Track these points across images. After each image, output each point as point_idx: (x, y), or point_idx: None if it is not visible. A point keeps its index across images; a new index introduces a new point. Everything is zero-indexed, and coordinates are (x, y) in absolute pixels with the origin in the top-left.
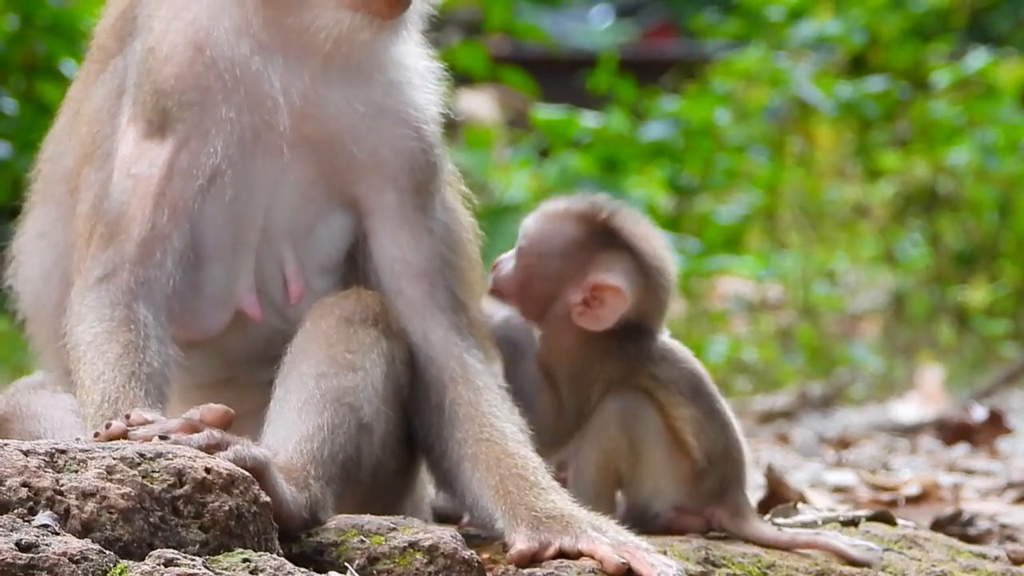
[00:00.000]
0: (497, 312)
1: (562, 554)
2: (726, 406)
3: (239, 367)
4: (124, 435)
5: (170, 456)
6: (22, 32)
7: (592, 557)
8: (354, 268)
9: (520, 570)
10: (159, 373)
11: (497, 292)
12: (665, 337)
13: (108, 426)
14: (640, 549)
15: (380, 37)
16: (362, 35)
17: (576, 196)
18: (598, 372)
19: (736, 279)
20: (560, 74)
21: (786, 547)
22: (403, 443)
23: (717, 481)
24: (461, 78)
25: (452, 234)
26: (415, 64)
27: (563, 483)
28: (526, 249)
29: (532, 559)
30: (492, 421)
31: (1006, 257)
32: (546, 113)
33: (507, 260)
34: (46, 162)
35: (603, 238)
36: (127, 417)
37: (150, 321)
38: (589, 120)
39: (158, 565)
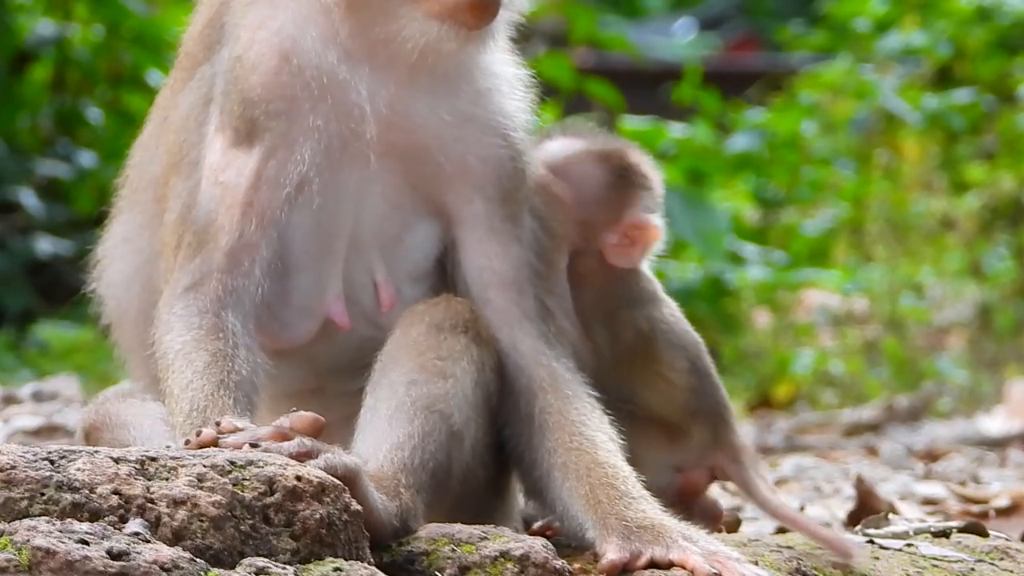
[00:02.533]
0: None
1: (653, 564)
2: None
3: (328, 376)
4: (214, 443)
5: (261, 464)
6: (108, 43)
7: (683, 567)
8: (444, 276)
9: (607, 571)
10: (248, 381)
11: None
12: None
13: (198, 433)
14: (731, 559)
15: (466, 47)
16: (448, 45)
17: (578, 130)
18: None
19: (822, 292)
20: (645, 86)
21: (772, 512)
22: (493, 451)
23: (710, 428)
24: (546, 89)
25: (540, 243)
26: (503, 71)
27: None
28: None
29: (623, 569)
30: (582, 430)
31: None
32: (632, 124)
33: None
34: (133, 169)
35: (627, 176)
36: (217, 424)
37: (238, 329)
38: (675, 132)
39: (249, 573)
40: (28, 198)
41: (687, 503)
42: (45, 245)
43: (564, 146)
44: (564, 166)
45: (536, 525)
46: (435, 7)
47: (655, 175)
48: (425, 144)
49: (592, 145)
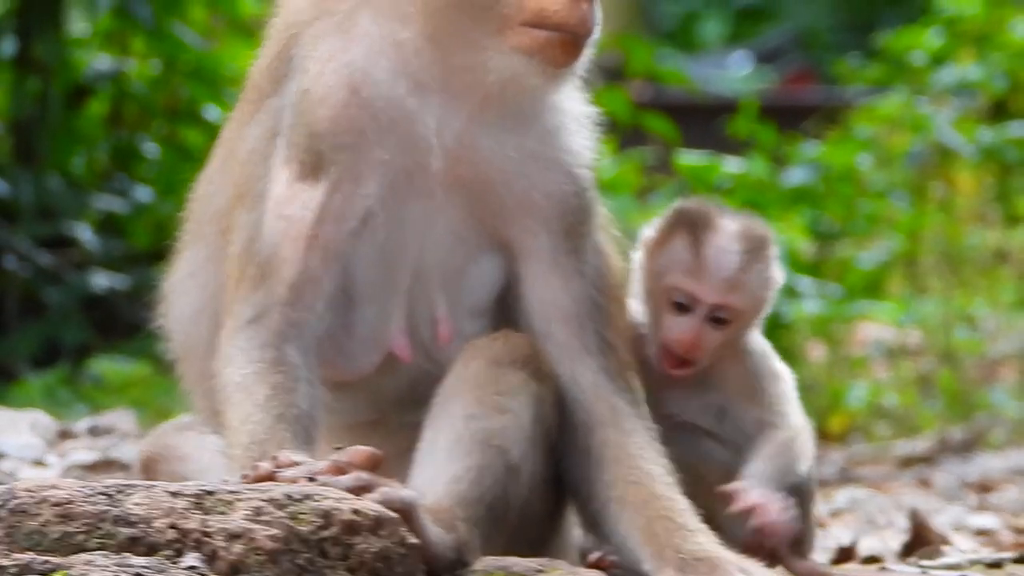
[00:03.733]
0: None
1: None
2: None
3: (387, 408)
4: (271, 477)
5: (317, 498)
6: (165, 77)
7: None
8: (504, 310)
9: None
10: (307, 415)
11: (689, 367)
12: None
13: (255, 468)
14: None
15: (549, 85)
16: (532, 81)
17: (708, 219)
18: None
19: (877, 324)
20: (701, 120)
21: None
22: (551, 485)
23: None
24: (603, 123)
25: (602, 277)
26: (571, 108)
27: None
28: (740, 314)
29: None
30: (640, 463)
31: None
32: (688, 159)
33: (705, 334)
34: (198, 202)
35: (766, 248)
36: (274, 459)
37: (299, 363)
38: (731, 166)
39: None
40: (84, 232)
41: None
42: (101, 280)
43: (723, 261)
44: (740, 283)
45: (592, 557)
46: (525, 41)
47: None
48: (490, 179)
49: (741, 244)
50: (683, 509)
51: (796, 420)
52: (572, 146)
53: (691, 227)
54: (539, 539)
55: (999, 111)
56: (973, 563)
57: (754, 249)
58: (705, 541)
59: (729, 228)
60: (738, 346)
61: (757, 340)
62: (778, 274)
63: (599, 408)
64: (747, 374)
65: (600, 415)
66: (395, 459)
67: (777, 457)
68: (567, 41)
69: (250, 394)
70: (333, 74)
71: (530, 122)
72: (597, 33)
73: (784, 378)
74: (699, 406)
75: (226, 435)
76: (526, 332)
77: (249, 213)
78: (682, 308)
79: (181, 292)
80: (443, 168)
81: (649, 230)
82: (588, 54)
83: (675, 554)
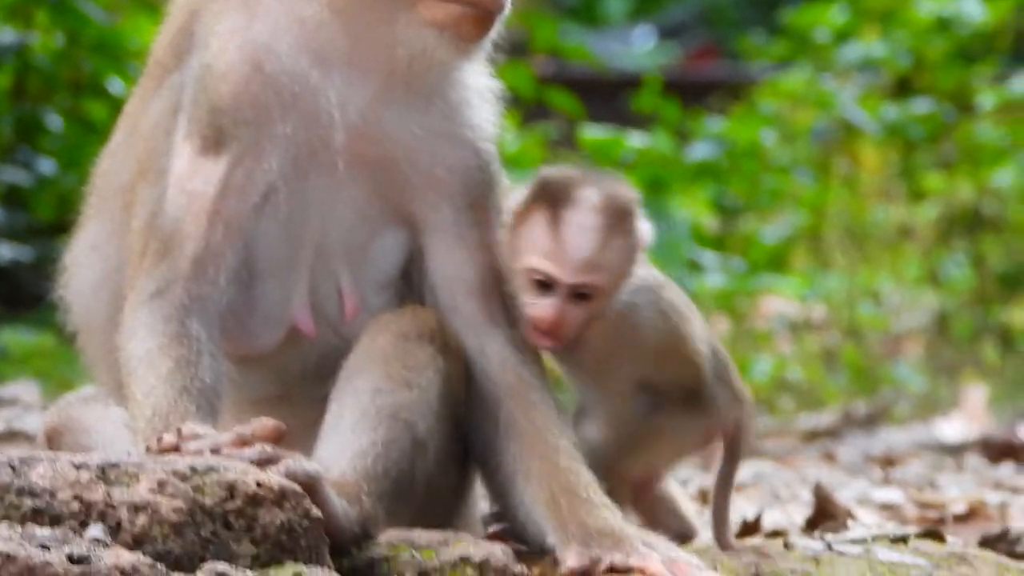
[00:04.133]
0: None
1: (613, 570)
2: None
3: (293, 383)
4: (175, 448)
5: (222, 470)
6: (68, 50)
7: (643, 573)
8: (410, 284)
9: None
10: (211, 388)
11: (557, 343)
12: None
13: (160, 439)
14: (691, 565)
15: (458, 59)
16: (442, 55)
17: (568, 194)
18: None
19: (780, 299)
20: (604, 95)
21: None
22: (456, 460)
23: (727, 385)
24: (508, 98)
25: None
26: (475, 83)
27: None
28: (601, 290)
29: (583, 575)
30: (546, 436)
31: None
32: (592, 133)
33: (568, 312)
34: (101, 177)
35: (629, 216)
36: (179, 431)
37: (203, 336)
38: (635, 140)
39: None
40: None
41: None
42: (4, 251)
43: (581, 241)
44: (597, 262)
45: (492, 529)
46: (437, 15)
47: (633, 191)
48: (394, 156)
49: (597, 216)
50: (587, 483)
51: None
52: (475, 120)
53: (549, 203)
54: (444, 513)
55: (903, 88)
56: (877, 537)
57: (615, 223)
58: (609, 515)
59: (588, 202)
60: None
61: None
62: (644, 237)
63: (506, 379)
64: (614, 335)
65: (507, 387)
66: (301, 433)
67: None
68: (479, 16)
69: (154, 367)
70: (235, 50)
71: (435, 98)
72: (508, 9)
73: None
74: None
75: (130, 407)
76: (432, 306)
77: (152, 188)
78: (543, 287)
79: (83, 265)
80: (346, 144)
81: (513, 201)
82: (498, 29)
83: (579, 528)
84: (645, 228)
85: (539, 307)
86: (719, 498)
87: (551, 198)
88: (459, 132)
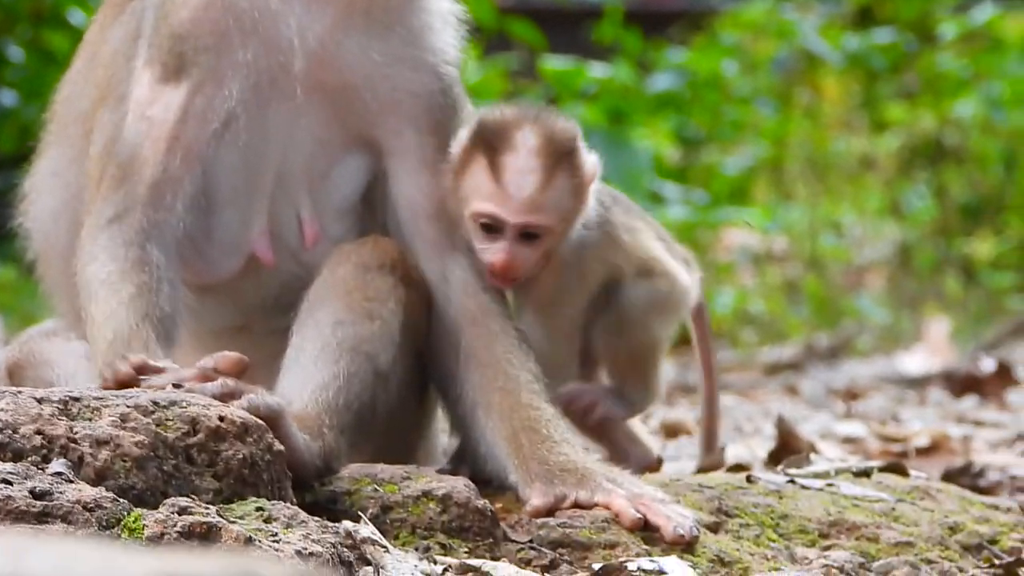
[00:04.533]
0: None
1: (577, 507)
2: None
3: (253, 314)
4: (132, 380)
5: (184, 404)
6: None
7: (608, 509)
8: (371, 212)
9: (533, 519)
10: (170, 317)
11: (513, 284)
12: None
13: (116, 371)
14: (656, 501)
15: None
16: None
17: (506, 137)
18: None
19: (742, 231)
20: (566, 26)
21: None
22: (418, 391)
23: None
24: (469, 28)
25: None
26: (437, 7)
27: None
28: (548, 229)
29: (548, 514)
30: (507, 368)
31: (1012, 210)
32: (553, 64)
33: (519, 254)
34: (61, 104)
35: (570, 153)
36: (135, 363)
37: (162, 263)
38: (596, 71)
39: (172, 513)
40: None
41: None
42: None
43: (523, 181)
44: (541, 202)
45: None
46: None
47: (574, 125)
48: (354, 83)
49: (538, 155)
50: (548, 419)
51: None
52: (438, 45)
53: (489, 148)
54: (406, 446)
55: (864, 17)
56: (840, 471)
57: (555, 162)
58: (571, 452)
59: (526, 144)
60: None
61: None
62: (589, 171)
63: (468, 306)
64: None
65: (469, 314)
66: (262, 365)
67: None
68: None
69: (115, 291)
70: None
71: (395, 23)
72: None
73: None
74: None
75: (89, 330)
76: (395, 231)
77: (111, 113)
78: (491, 230)
79: (43, 191)
80: (305, 70)
81: (454, 148)
82: None
83: (541, 466)
84: (591, 161)
85: (491, 251)
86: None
87: (489, 142)
88: (420, 56)
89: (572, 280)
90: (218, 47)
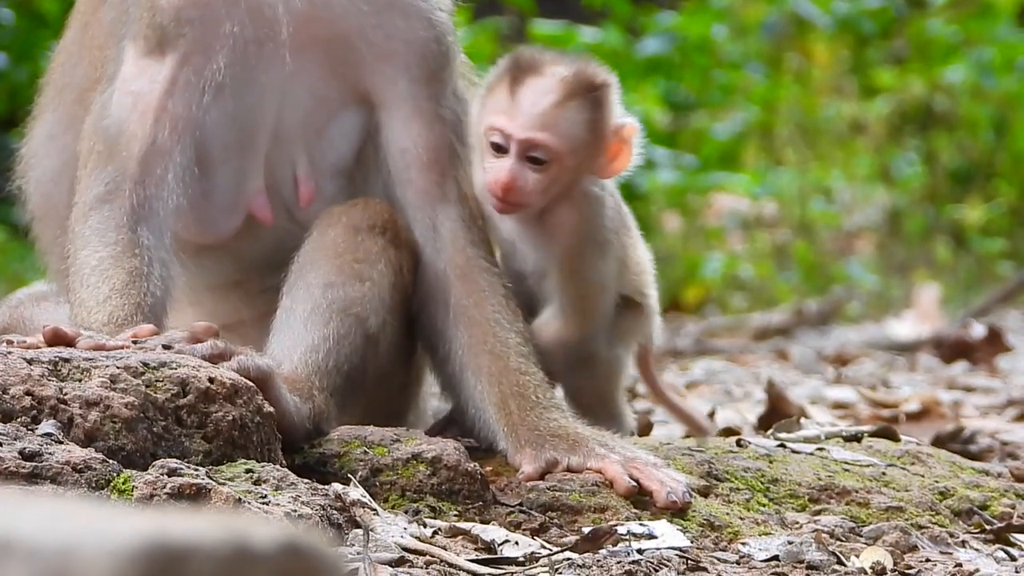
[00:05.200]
0: None
1: (570, 472)
2: None
3: (249, 271)
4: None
5: (174, 366)
6: None
7: (602, 474)
8: (364, 174)
9: (523, 483)
10: (160, 303)
11: (514, 209)
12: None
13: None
14: (649, 465)
15: None
16: None
17: (531, 68)
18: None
19: (732, 196)
20: None
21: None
22: (407, 354)
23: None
24: None
25: (462, 124)
26: None
27: None
28: (555, 154)
29: (539, 479)
30: (496, 330)
31: (1002, 176)
32: (543, 28)
33: (522, 175)
34: (55, 71)
35: (594, 92)
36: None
37: (153, 244)
38: (586, 35)
39: (161, 475)
40: None
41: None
42: None
43: (536, 99)
44: (551, 120)
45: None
46: None
47: (612, 78)
48: (346, 34)
49: (558, 81)
50: (537, 384)
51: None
52: (423, 6)
53: (516, 71)
54: (396, 408)
55: None
56: (830, 436)
57: (575, 92)
58: (560, 417)
59: (555, 72)
60: (574, 194)
61: (606, 196)
62: (617, 122)
63: (456, 260)
64: (582, 223)
65: (458, 268)
66: (255, 323)
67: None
68: None
69: (107, 278)
70: None
71: None
72: None
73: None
74: (539, 261)
75: (79, 313)
76: (387, 184)
77: (100, 94)
78: (499, 149)
79: (41, 155)
80: (295, 31)
81: (488, 74)
82: None
83: (531, 432)
84: (628, 120)
85: (494, 168)
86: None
87: (519, 68)
88: (411, 3)
89: (595, 251)
90: (203, 19)
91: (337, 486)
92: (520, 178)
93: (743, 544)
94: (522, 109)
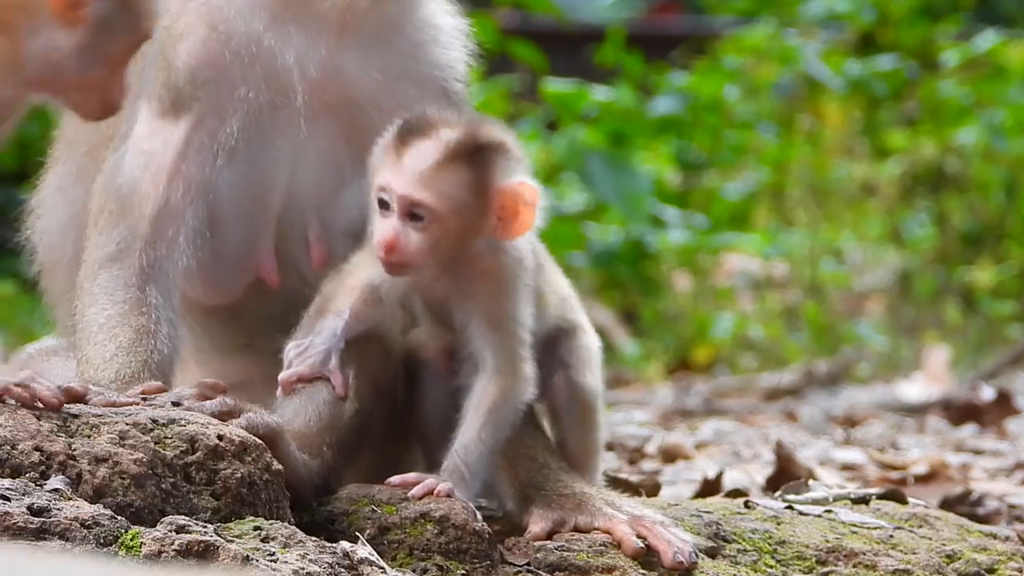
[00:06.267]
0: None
1: (577, 531)
2: None
3: (257, 332)
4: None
5: (183, 422)
6: None
7: (609, 535)
8: None
9: (531, 542)
10: (168, 360)
11: (401, 269)
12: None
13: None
14: (656, 524)
15: (384, 3)
16: (362, 3)
17: (425, 126)
18: None
19: (742, 256)
20: (568, 47)
21: None
22: (413, 406)
23: None
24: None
25: None
26: (441, 22)
27: None
28: (434, 213)
29: (547, 539)
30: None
31: (1012, 238)
32: (555, 86)
33: (404, 233)
34: (67, 124)
35: (480, 153)
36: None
37: (161, 304)
38: (598, 94)
39: (169, 532)
40: None
41: None
42: None
43: (419, 159)
44: (430, 180)
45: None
46: None
47: (508, 138)
48: (358, 101)
49: (443, 143)
50: (545, 446)
51: (525, 368)
52: (442, 60)
53: (406, 133)
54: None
55: (867, 43)
56: (839, 498)
57: (464, 155)
58: (567, 478)
59: (441, 134)
60: (478, 252)
61: (520, 259)
62: (502, 182)
63: None
64: (495, 272)
65: None
66: (264, 382)
67: (488, 426)
68: None
69: (114, 336)
70: (192, 12)
71: (393, 36)
72: None
73: (524, 299)
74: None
75: (84, 370)
76: None
77: (113, 153)
78: (385, 207)
79: (49, 206)
80: (309, 97)
81: (381, 141)
82: None
83: (538, 492)
84: (527, 185)
85: (380, 228)
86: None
87: (409, 130)
88: (424, 72)
89: (513, 295)
90: (218, 81)
91: (345, 544)
92: (403, 236)
93: None
94: (405, 168)
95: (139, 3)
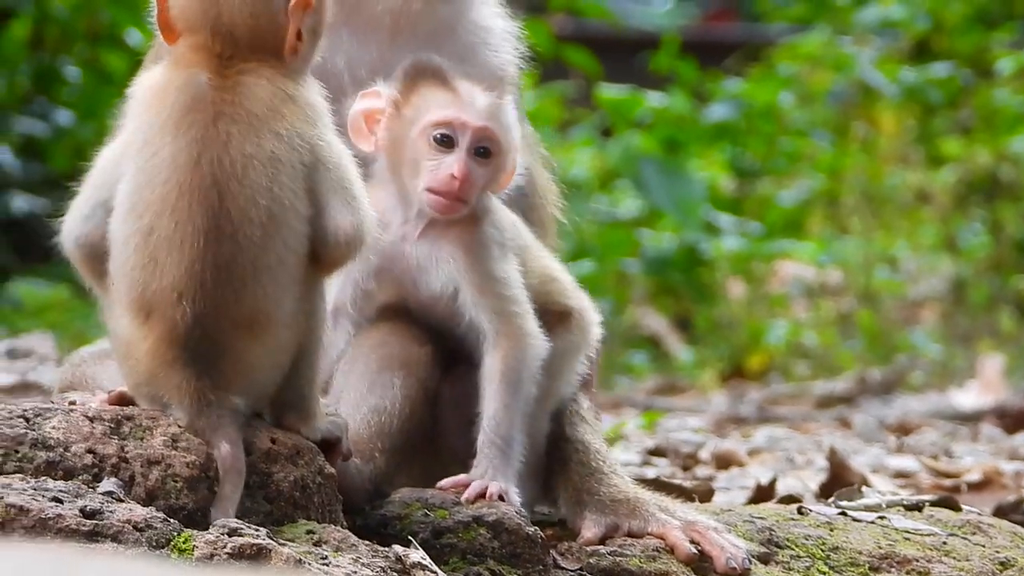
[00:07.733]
0: None
1: (631, 536)
2: None
3: None
4: None
5: None
6: (86, 0)
7: (663, 540)
8: None
9: (584, 547)
10: None
11: (458, 207)
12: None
13: None
14: (709, 530)
15: (436, 5)
16: (415, 5)
17: (444, 67)
18: None
19: (797, 263)
20: (622, 54)
21: None
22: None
23: None
24: (526, 55)
25: (526, 198)
26: (492, 24)
27: None
28: (499, 147)
29: (600, 544)
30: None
31: None
32: (609, 92)
33: (472, 167)
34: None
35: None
36: None
37: None
38: (652, 100)
39: (222, 534)
40: (5, 156)
41: None
42: (21, 203)
43: (479, 94)
44: (500, 114)
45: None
46: None
47: None
48: None
49: (493, 84)
50: (596, 451)
51: (526, 325)
52: (493, 62)
53: (435, 72)
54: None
55: (921, 51)
56: (892, 505)
57: (504, 94)
58: (620, 483)
59: (463, 75)
60: (480, 206)
61: (489, 210)
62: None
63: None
64: (475, 227)
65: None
66: None
67: (507, 392)
68: None
69: None
70: None
71: (445, 40)
72: None
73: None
74: (446, 277)
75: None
76: None
77: None
78: (445, 144)
79: None
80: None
81: (386, 92)
82: None
83: (592, 497)
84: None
85: (444, 166)
86: None
87: (435, 70)
88: (475, 74)
89: (492, 250)
90: None
91: (398, 548)
92: (472, 172)
93: None
94: (471, 99)
95: None
